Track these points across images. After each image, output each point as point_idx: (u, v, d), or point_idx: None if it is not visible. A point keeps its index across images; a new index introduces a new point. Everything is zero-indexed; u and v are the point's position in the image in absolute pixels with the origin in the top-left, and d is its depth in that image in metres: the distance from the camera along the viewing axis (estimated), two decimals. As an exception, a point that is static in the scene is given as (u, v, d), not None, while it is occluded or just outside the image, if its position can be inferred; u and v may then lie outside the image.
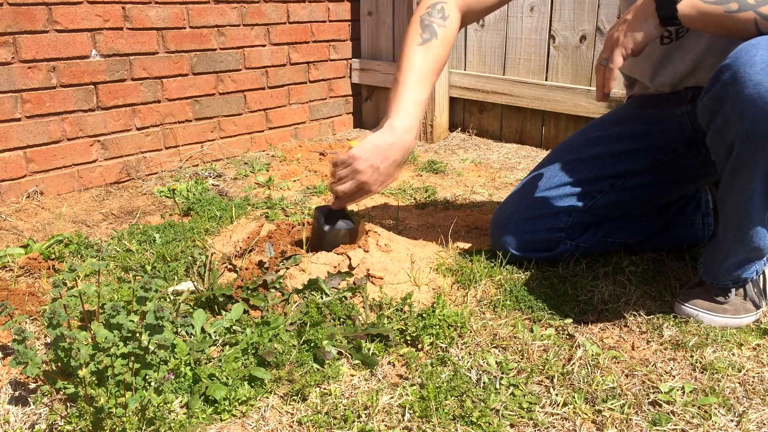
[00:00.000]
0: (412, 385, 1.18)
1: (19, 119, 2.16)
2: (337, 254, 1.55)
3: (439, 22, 1.54)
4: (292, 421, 1.10)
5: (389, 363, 1.26)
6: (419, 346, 1.31)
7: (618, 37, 1.30)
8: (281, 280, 1.46)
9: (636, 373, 1.23)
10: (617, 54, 1.30)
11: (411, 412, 1.11)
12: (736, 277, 1.37)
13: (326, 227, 1.56)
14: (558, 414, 1.11)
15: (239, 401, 1.13)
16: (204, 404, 1.12)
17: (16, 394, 1.18)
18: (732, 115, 1.18)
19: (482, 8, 1.60)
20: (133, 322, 1.12)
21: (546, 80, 2.78)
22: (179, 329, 1.31)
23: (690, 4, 1.21)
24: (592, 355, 1.27)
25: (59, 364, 1.13)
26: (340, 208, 1.58)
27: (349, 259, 1.53)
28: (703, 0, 1.20)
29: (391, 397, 1.15)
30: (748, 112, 1.14)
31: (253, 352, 1.24)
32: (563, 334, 1.37)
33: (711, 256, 1.39)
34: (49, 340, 1.33)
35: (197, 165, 2.67)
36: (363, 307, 1.41)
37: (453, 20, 1.56)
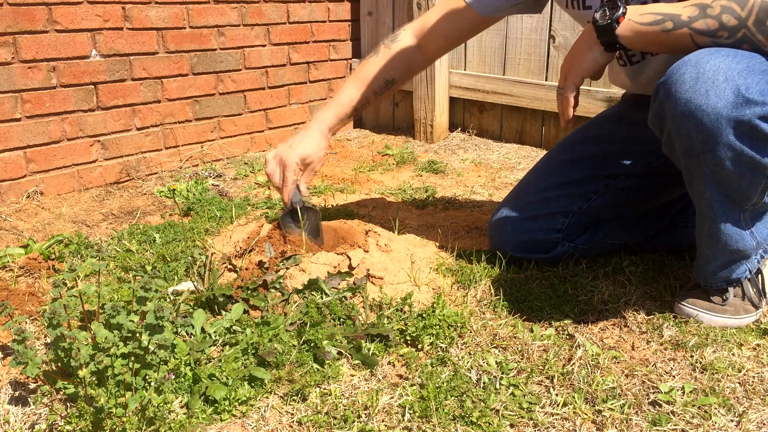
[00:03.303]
0: (412, 385, 1.18)
1: (19, 119, 2.16)
2: (337, 254, 1.55)
3: (387, 42, 1.69)
4: (292, 421, 1.10)
5: (389, 363, 1.26)
6: (419, 346, 1.31)
7: (569, 65, 1.36)
8: (281, 280, 1.46)
9: (636, 373, 1.23)
10: (569, 83, 1.36)
11: (411, 412, 1.11)
12: (726, 279, 1.37)
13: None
14: (558, 414, 1.11)
15: (239, 401, 1.13)
16: (204, 404, 1.12)
17: (16, 394, 1.18)
18: (672, 132, 1.21)
19: (442, 36, 1.65)
20: (133, 322, 1.12)
21: (546, 80, 2.78)
22: (179, 329, 1.31)
23: (628, 28, 1.24)
24: (592, 355, 1.27)
25: (59, 364, 1.13)
26: (289, 195, 1.61)
27: (349, 259, 1.53)
28: (639, 23, 1.23)
29: (391, 397, 1.15)
30: (683, 128, 1.18)
31: (253, 352, 1.24)
32: (563, 334, 1.37)
33: (697, 260, 1.40)
34: (49, 340, 1.33)
35: (197, 165, 2.67)
36: (363, 307, 1.41)
37: (401, 44, 1.67)
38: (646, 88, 1.53)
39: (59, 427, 1.04)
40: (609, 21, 1.25)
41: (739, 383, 1.19)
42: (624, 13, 1.24)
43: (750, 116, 1.12)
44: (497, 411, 1.11)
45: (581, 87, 1.42)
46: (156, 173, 2.55)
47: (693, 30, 1.19)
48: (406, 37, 1.67)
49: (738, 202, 1.25)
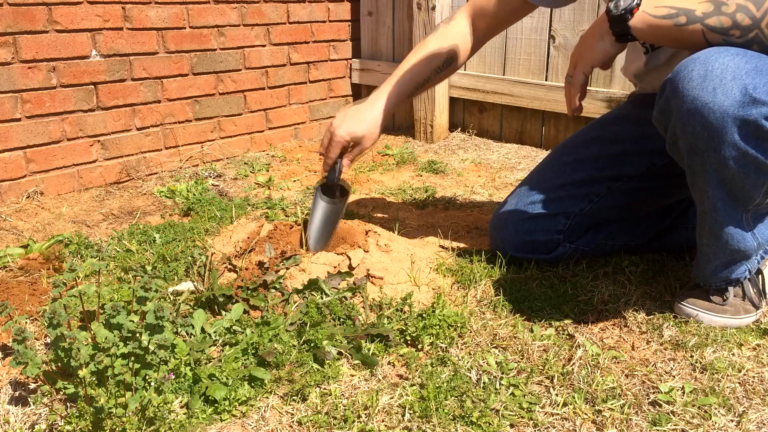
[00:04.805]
0: (412, 386, 1.18)
1: (19, 119, 2.16)
2: (337, 254, 1.55)
3: (445, 21, 1.70)
4: (292, 421, 1.10)
5: (389, 363, 1.26)
6: (419, 347, 1.31)
7: (579, 54, 1.35)
8: (281, 280, 1.46)
9: (636, 373, 1.23)
10: (578, 71, 1.35)
11: (411, 412, 1.11)
12: (726, 278, 1.37)
13: (321, 201, 1.65)
14: (558, 414, 1.11)
15: (239, 401, 1.13)
16: (204, 404, 1.12)
17: (16, 394, 1.18)
18: (677, 129, 1.21)
19: (491, 15, 1.66)
20: (133, 322, 1.12)
21: (546, 80, 2.78)
22: (179, 329, 1.31)
23: (641, 20, 1.23)
24: (592, 355, 1.27)
25: (59, 364, 1.13)
26: (327, 168, 1.61)
27: (349, 259, 1.53)
28: (653, 15, 1.22)
29: (391, 397, 1.15)
30: (689, 126, 1.17)
31: (253, 352, 1.24)
32: (563, 334, 1.37)
33: (697, 259, 1.40)
34: (49, 340, 1.33)
35: (197, 165, 2.67)
36: (363, 307, 1.41)
37: (457, 22, 1.69)
38: (661, 78, 1.53)
39: (59, 427, 1.04)
40: (623, 11, 1.24)
41: (739, 383, 1.19)
42: (638, 4, 1.23)
43: (756, 116, 1.12)
44: (497, 411, 1.11)
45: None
46: (156, 173, 2.55)
47: (706, 26, 1.18)
48: (461, 17, 1.69)
49: (741, 202, 1.25)
